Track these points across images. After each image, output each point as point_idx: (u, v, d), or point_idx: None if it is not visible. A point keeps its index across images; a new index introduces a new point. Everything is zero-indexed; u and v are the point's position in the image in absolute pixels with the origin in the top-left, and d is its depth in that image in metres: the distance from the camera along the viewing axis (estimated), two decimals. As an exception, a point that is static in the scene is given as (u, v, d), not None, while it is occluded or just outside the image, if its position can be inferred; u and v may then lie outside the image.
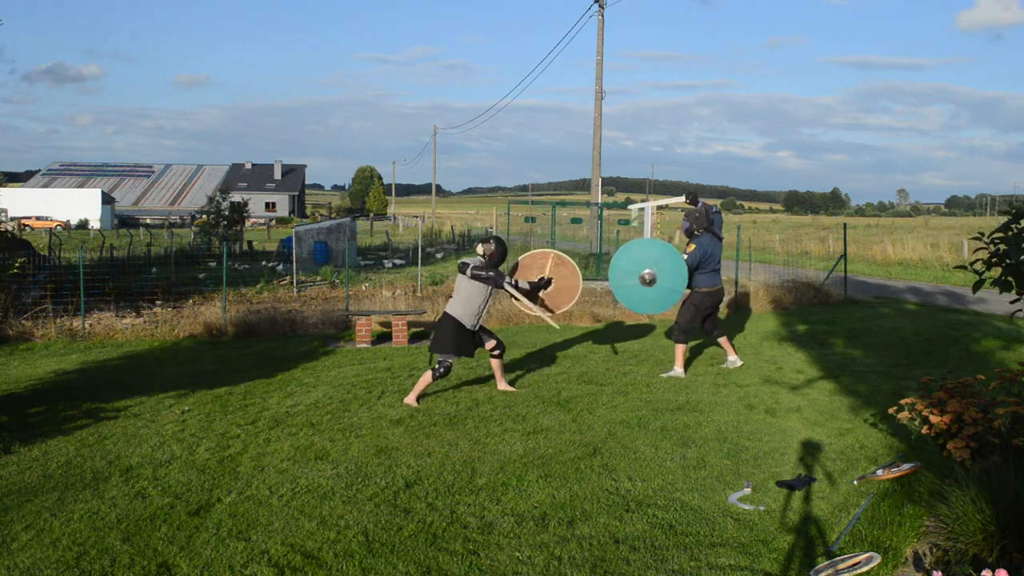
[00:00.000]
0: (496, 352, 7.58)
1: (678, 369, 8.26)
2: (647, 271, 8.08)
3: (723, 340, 8.74)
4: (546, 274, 7.87)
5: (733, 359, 8.69)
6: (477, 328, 7.35)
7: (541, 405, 7.05)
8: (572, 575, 3.86)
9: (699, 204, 8.53)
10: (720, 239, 8.46)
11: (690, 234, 8.42)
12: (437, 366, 7.21)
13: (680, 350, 8.33)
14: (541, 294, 7.85)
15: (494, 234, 7.55)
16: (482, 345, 7.52)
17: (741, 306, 13.63)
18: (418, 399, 7.20)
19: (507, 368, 8.63)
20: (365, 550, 4.12)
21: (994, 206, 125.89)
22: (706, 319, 8.54)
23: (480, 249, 7.37)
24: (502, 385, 7.68)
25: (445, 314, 7.31)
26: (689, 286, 8.36)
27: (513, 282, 7.51)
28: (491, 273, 7.24)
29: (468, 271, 7.23)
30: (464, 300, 7.23)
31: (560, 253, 8.10)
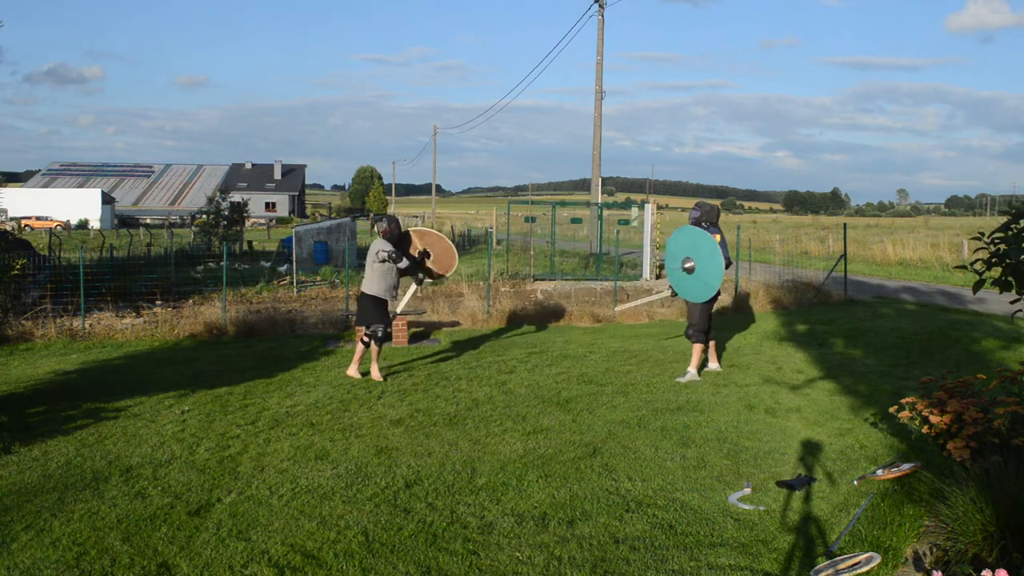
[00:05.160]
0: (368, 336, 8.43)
1: (692, 371, 8.05)
2: (687, 260, 8.06)
3: (712, 344, 8.46)
4: (420, 247, 8.93)
5: (713, 365, 8.46)
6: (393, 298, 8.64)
7: (541, 405, 7.05)
8: (572, 575, 3.86)
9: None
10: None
11: (697, 225, 8.17)
12: (366, 337, 8.36)
13: (698, 350, 8.11)
14: (428, 263, 8.98)
15: (390, 214, 8.77)
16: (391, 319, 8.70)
17: (741, 306, 13.62)
18: (362, 373, 8.42)
19: (507, 368, 8.64)
20: (365, 550, 4.12)
21: (994, 206, 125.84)
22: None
23: (377, 228, 8.61)
24: (352, 370, 8.45)
25: (362, 293, 8.55)
26: None
27: (400, 258, 8.36)
28: (394, 255, 8.37)
29: (379, 256, 8.34)
30: (379, 277, 8.36)
31: (421, 228, 9.26)
